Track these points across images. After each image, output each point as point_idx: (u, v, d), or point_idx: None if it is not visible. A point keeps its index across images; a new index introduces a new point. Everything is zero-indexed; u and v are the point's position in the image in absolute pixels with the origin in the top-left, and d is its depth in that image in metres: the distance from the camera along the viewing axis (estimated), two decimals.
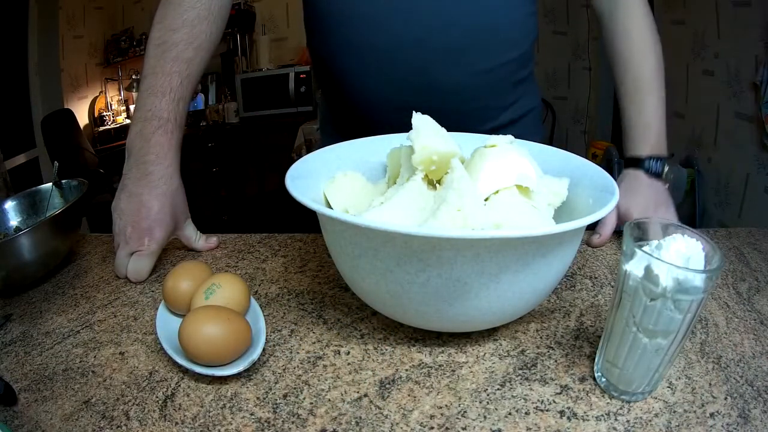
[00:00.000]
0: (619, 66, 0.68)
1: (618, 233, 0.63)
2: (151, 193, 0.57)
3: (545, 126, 3.13)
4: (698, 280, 0.31)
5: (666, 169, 0.62)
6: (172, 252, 0.64)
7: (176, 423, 0.36)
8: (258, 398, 0.38)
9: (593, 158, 2.43)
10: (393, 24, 0.63)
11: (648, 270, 0.32)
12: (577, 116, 3.12)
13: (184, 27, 0.59)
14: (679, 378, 0.39)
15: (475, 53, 0.66)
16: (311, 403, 0.38)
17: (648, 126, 0.64)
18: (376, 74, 0.67)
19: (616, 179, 0.45)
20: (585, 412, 0.36)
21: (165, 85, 0.58)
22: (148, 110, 0.57)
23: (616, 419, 0.35)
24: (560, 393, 0.38)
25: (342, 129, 0.78)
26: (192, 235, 0.64)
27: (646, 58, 0.66)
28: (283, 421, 0.36)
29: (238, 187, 3.17)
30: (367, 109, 0.71)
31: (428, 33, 0.63)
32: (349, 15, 0.65)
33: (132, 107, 3.35)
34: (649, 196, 0.61)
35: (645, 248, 0.33)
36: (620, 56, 0.68)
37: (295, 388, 0.39)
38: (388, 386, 0.39)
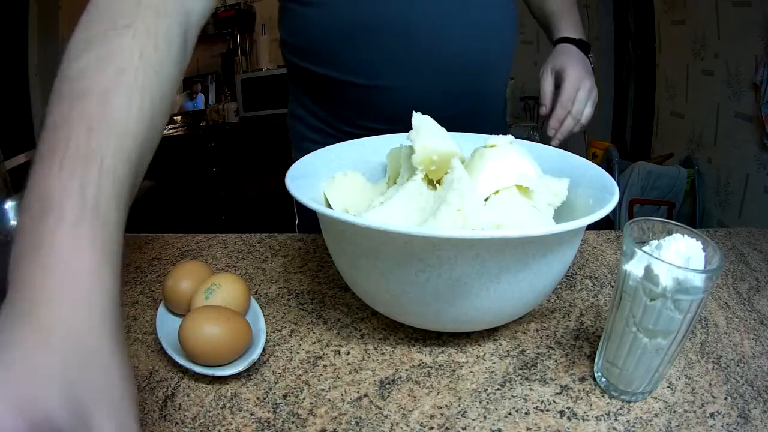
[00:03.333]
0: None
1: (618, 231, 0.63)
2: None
3: (545, 126, 3.14)
4: (698, 280, 0.31)
5: (591, 56, 0.70)
6: (172, 252, 0.64)
7: (176, 423, 0.36)
8: (258, 398, 0.38)
9: (593, 158, 2.43)
10: (410, 2, 0.59)
11: (648, 270, 0.32)
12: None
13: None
14: (679, 378, 0.39)
15: (488, 26, 0.65)
16: (311, 403, 0.38)
17: (571, 14, 0.72)
18: (389, 57, 0.61)
19: (616, 179, 0.46)
20: (585, 412, 0.36)
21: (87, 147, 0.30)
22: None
23: (616, 419, 0.35)
24: (560, 393, 0.38)
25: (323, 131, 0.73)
26: None
27: None
28: (283, 421, 0.36)
29: (237, 187, 3.17)
30: (370, 100, 0.65)
31: (448, 6, 0.61)
32: (384, 28, 0.60)
33: None
34: (582, 61, 0.67)
35: (645, 248, 0.33)
36: None
37: (295, 388, 0.39)
38: (388, 386, 0.39)
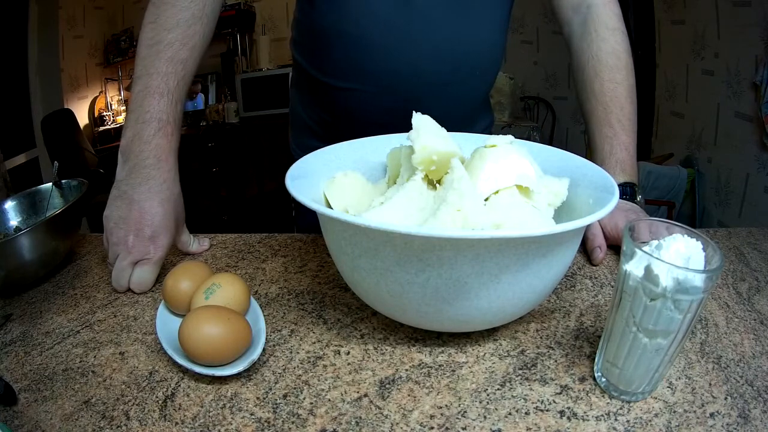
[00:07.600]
0: (588, 94, 0.65)
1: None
2: (153, 199, 0.55)
3: (545, 126, 3.14)
4: (698, 280, 0.31)
5: (639, 197, 0.60)
6: (172, 252, 0.64)
7: (176, 423, 0.36)
8: (258, 398, 0.38)
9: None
10: (390, 49, 0.65)
11: (648, 270, 0.32)
12: (577, 116, 3.12)
13: (178, 27, 0.57)
14: (679, 378, 0.39)
15: (461, 84, 0.69)
16: (311, 403, 0.38)
17: (622, 162, 0.62)
18: (372, 98, 0.68)
19: None
20: (585, 412, 0.36)
21: (162, 86, 0.56)
22: (146, 112, 0.55)
23: (616, 419, 0.35)
24: (560, 393, 0.38)
25: (320, 135, 0.80)
26: (187, 239, 0.63)
27: (618, 88, 0.64)
28: (283, 421, 0.36)
29: (238, 187, 3.17)
30: (355, 124, 0.72)
31: (421, 61, 0.65)
32: (349, 36, 0.66)
33: None
34: (628, 210, 0.59)
35: (645, 248, 0.33)
36: (590, 84, 0.65)
37: (295, 388, 0.39)
38: (388, 386, 0.39)
